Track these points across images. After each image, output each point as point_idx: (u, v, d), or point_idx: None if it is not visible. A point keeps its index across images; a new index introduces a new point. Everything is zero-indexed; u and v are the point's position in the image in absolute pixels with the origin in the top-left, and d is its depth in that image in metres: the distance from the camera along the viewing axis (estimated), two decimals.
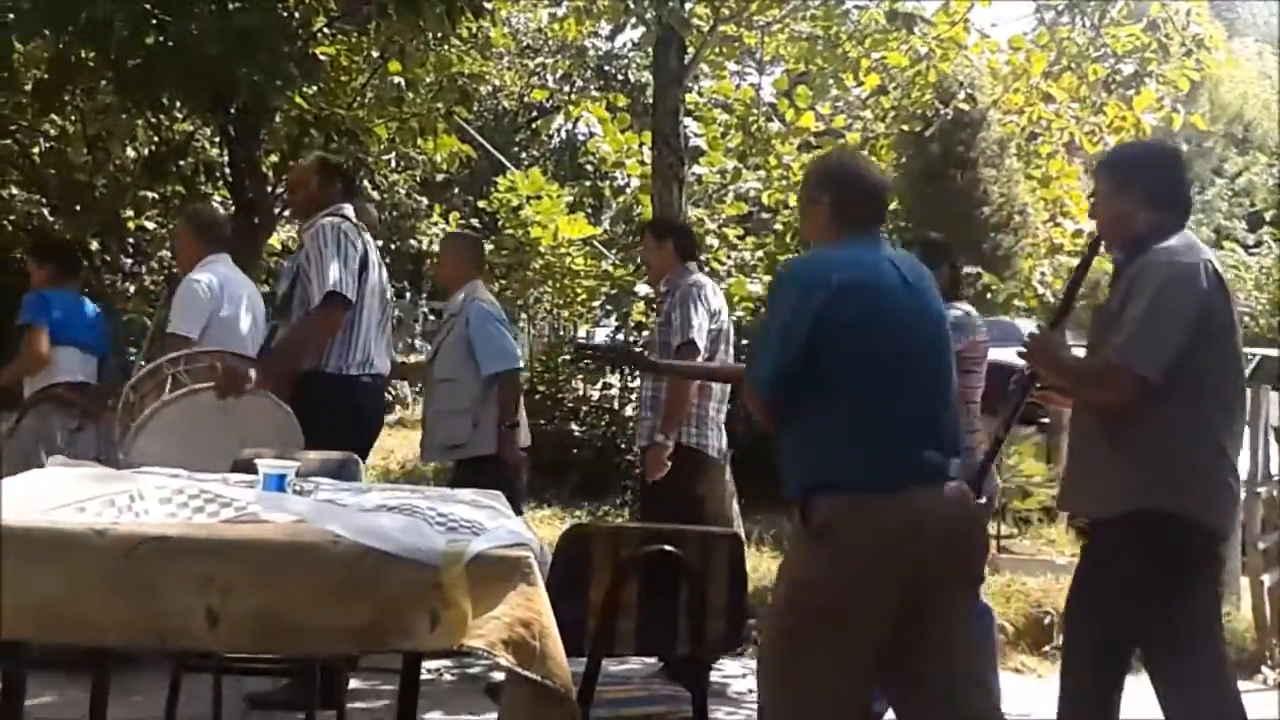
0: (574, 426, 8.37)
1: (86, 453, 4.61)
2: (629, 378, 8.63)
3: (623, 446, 8.08)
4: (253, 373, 3.78)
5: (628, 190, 8.80)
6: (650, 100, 8.92)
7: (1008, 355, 3.51)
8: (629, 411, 8.43)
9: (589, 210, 11.55)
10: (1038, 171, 8.93)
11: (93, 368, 4.86)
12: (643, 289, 8.09)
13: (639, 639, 2.35)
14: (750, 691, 4.47)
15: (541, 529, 6.34)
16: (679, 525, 2.62)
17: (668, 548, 2.33)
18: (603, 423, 8.17)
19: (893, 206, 7.60)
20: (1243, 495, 2.96)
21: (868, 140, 8.10)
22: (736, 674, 4.68)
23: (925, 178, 7.57)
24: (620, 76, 17.90)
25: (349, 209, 4.26)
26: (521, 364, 4.67)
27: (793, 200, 8.14)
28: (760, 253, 8.41)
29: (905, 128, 7.76)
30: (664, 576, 2.34)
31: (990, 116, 8.30)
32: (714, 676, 2.86)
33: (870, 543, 2.39)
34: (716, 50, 7.83)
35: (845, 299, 2.52)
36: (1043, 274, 8.79)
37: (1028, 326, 10.17)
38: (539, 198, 9.67)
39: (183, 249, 4.61)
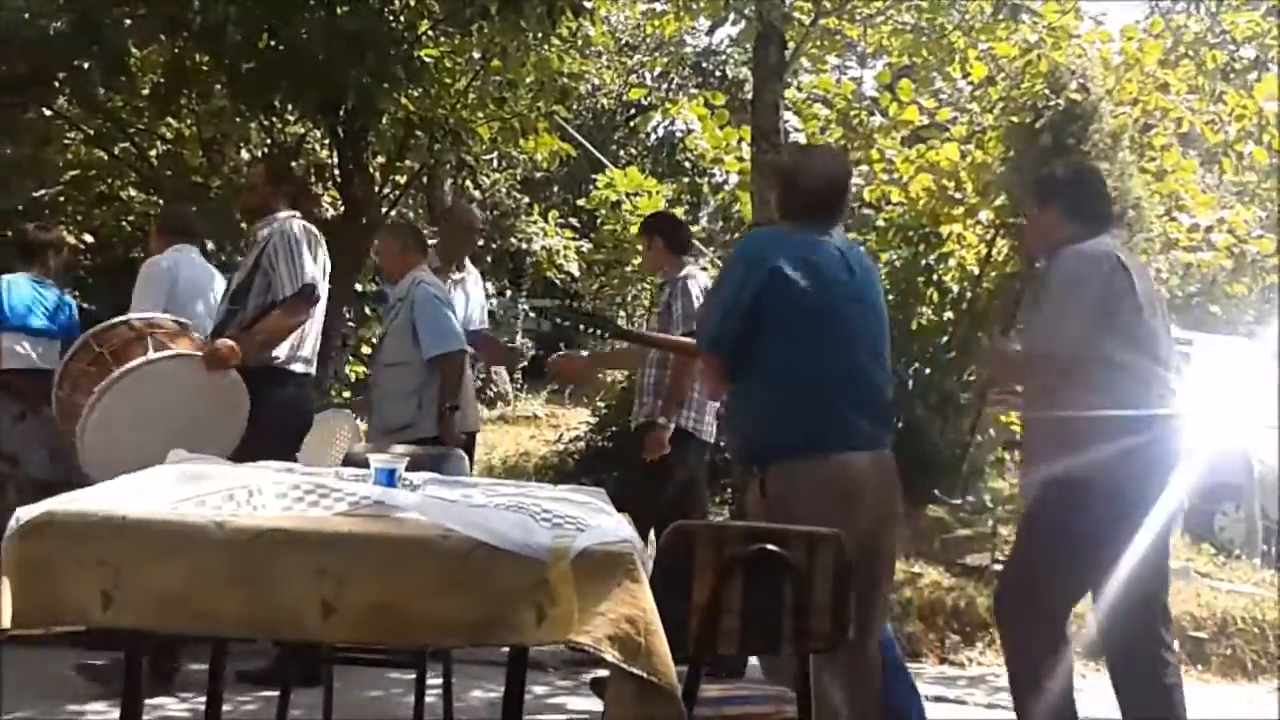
0: None
1: (31, 441, 4.81)
2: None
3: (720, 444, 8.04)
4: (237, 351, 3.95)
5: (726, 187, 8.75)
6: (748, 96, 8.87)
7: None
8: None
9: (687, 207, 11.55)
10: (1152, 165, 8.66)
11: (51, 352, 4.94)
12: None
13: (742, 638, 2.34)
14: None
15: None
16: (776, 525, 2.60)
17: (771, 547, 2.31)
18: None
19: (1000, 201, 7.44)
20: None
21: (974, 133, 7.93)
22: None
23: (1035, 171, 7.35)
24: (718, 73, 17.86)
25: (299, 215, 4.33)
26: (463, 345, 4.67)
27: (895, 195, 8.01)
28: (861, 249, 8.28)
29: (1015, 119, 7.56)
30: (767, 575, 2.32)
31: (1102, 108, 8.05)
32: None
33: (815, 503, 2.66)
34: (817, 44, 7.75)
35: (784, 281, 2.79)
36: (1158, 270, 8.50)
37: None
38: (638, 195, 9.69)
39: (155, 245, 4.91)
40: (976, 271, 7.79)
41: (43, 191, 9.09)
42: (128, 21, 6.52)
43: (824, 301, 2.82)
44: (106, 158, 8.93)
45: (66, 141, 8.89)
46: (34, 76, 6.84)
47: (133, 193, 9.64)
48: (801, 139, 8.50)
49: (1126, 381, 3.06)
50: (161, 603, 1.92)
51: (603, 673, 4.17)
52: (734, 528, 2.36)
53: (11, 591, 1.91)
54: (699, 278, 4.74)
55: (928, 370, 7.77)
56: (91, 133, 8.52)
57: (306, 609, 1.91)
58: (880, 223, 8.43)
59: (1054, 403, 3.10)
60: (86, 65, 6.70)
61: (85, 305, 9.08)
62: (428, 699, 3.02)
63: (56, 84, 7.09)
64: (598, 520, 2.21)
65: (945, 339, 7.71)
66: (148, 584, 1.92)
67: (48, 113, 7.92)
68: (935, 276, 7.78)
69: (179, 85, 7.11)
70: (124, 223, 9.74)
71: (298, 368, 4.20)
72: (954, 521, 6.60)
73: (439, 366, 4.55)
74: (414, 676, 3.02)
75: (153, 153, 8.76)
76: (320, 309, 4.25)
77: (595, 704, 3.89)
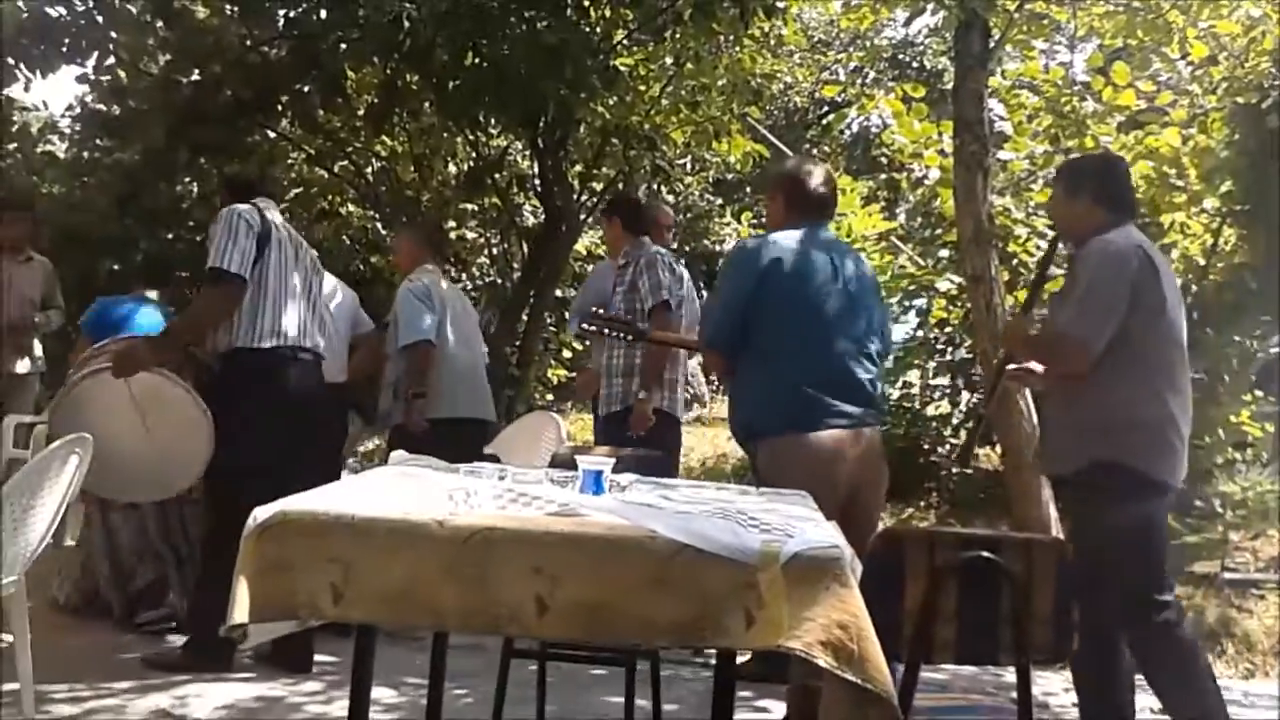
0: None
1: None
2: (929, 376, 8.41)
3: (925, 446, 7.84)
4: (145, 353, 3.98)
5: (926, 182, 8.50)
6: (949, 87, 8.60)
7: None
8: (930, 411, 8.17)
9: (884, 204, 11.30)
10: None
11: None
12: (944, 284, 7.81)
13: (959, 647, 2.27)
14: (1074, 705, 4.23)
15: None
16: (990, 531, 2.52)
17: (987, 554, 2.23)
18: (903, 422, 7.96)
19: (1226, 187, 6.97)
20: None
21: (1196, 116, 7.45)
22: (1058, 687, 4.43)
23: (1263, 155, 6.84)
24: (915, 64, 17.43)
25: (260, 200, 4.27)
26: (429, 337, 4.86)
27: None
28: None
29: (1239, 101, 7.06)
30: (984, 582, 2.25)
31: None
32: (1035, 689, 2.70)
33: (794, 473, 3.00)
34: (1023, 29, 7.45)
35: (773, 279, 3.23)
36: None
37: None
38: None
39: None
40: (1202, 263, 7.32)
41: None
42: (343, 46, 6.89)
43: (810, 298, 3.27)
44: (326, 175, 9.44)
45: (290, 161, 9.45)
46: (258, 101, 7.32)
47: (351, 208, 10.17)
48: (1008, 128, 8.19)
49: (1146, 372, 3.21)
50: (387, 597, 2.01)
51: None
52: (946, 533, 2.30)
53: (248, 587, 2.03)
54: (663, 256, 4.90)
55: None
56: (312, 152, 9.03)
57: (522, 605, 1.96)
58: None
59: (1079, 389, 3.25)
60: (306, 89, 7.13)
61: None
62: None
63: (279, 107, 7.56)
64: (805, 526, 2.18)
65: None
66: (374, 580, 2.01)
67: (272, 134, 8.45)
68: None
69: (391, 104, 7.46)
70: (344, 237, 10.29)
71: (265, 344, 4.08)
72: (1181, 527, 6.23)
73: (406, 356, 4.85)
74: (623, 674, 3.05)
75: (368, 169, 9.21)
76: (280, 278, 4.14)
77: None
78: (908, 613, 2.21)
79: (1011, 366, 3.61)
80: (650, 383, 4.78)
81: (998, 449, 7.03)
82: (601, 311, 4.34)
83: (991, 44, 6.37)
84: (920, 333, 8.34)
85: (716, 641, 1.99)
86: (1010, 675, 2.34)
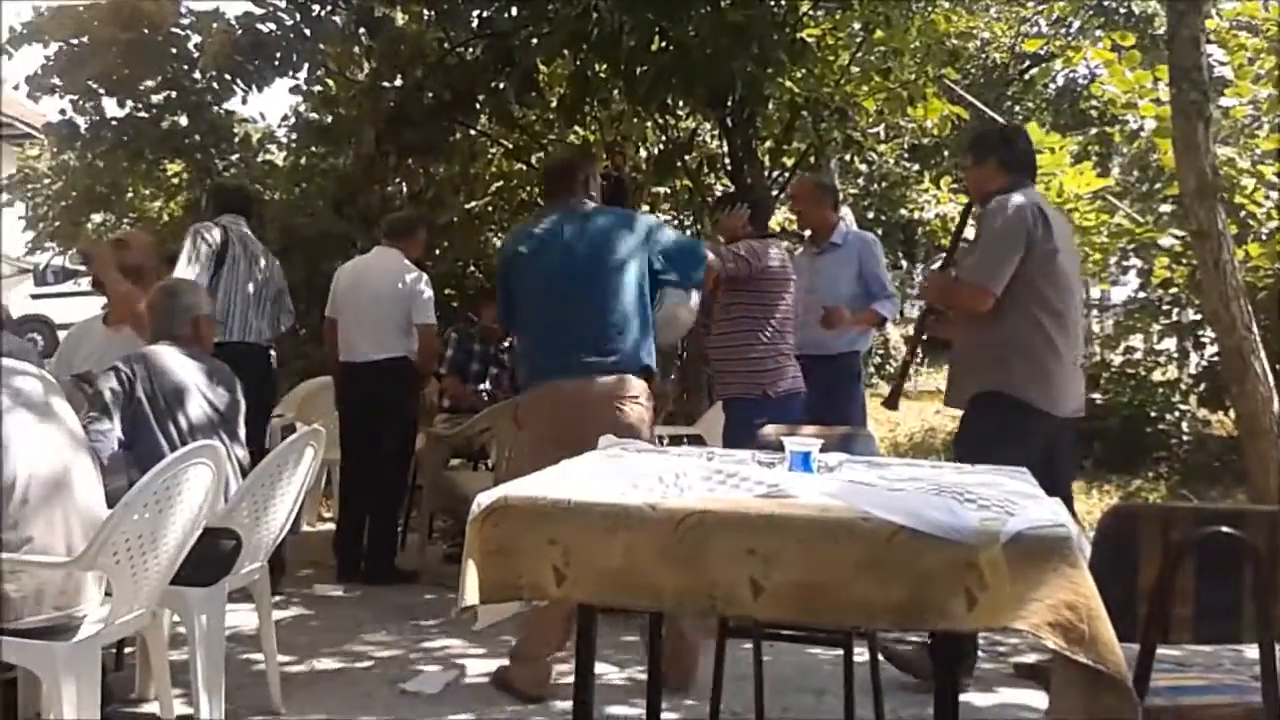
0: (1095, 395, 7.84)
1: None
2: (1153, 340, 7.99)
3: (1152, 414, 7.44)
4: None
5: (1142, 134, 8.02)
6: (1161, 33, 8.08)
7: None
8: (1157, 376, 7.75)
9: (1095, 159, 10.74)
10: None
11: None
12: (1166, 241, 7.37)
13: (1197, 626, 2.15)
14: None
15: None
16: (1230, 505, 2.37)
17: (1227, 529, 2.11)
18: (1128, 389, 7.57)
19: None
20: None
21: None
22: None
23: None
24: (1122, 11, 16.47)
25: (227, 217, 5.26)
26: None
27: None
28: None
29: None
30: (1224, 559, 2.12)
31: None
32: None
33: (540, 415, 3.77)
34: None
35: (518, 262, 3.90)
36: None
37: None
38: (1039, 151, 9.12)
39: None
40: None
41: (473, 204, 10.03)
42: (534, 41, 7.04)
43: (544, 270, 3.82)
44: (525, 169, 9.69)
45: (489, 156, 9.73)
46: (458, 100, 7.57)
47: None
48: (1228, 73, 7.64)
49: (1048, 313, 3.66)
50: (606, 578, 2.06)
51: (1028, 658, 4.00)
52: (1181, 509, 2.18)
53: (477, 571, 2.12)
54: None
55: None
56: (510, 146, 9.28)
57: (737, 587, 1.98)
58: None
59: (978, 328, 3.71)
60: (502, 85, 7.33)
61: None
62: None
63: (478, 105, 7.80)
64: (1027, 503, 2.11)
65: None
66: (593, 561, 2.07)
67: (472, 132, 8.73)
68: None
69: (582, 95, 7.57)
70: None
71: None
72: None
73: None
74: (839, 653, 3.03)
75: None
76: (234, 286, 5.13)
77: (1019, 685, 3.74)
78: (1142, 592, 2.11)
79: (931, 320, 4.06)
80: None
81: (1231, 413, 6.60)
82: None
83: None
84: (1142, 294, 7.90)
85: (938, 624, 1.95)
86: (1250, 652, 2.20)
